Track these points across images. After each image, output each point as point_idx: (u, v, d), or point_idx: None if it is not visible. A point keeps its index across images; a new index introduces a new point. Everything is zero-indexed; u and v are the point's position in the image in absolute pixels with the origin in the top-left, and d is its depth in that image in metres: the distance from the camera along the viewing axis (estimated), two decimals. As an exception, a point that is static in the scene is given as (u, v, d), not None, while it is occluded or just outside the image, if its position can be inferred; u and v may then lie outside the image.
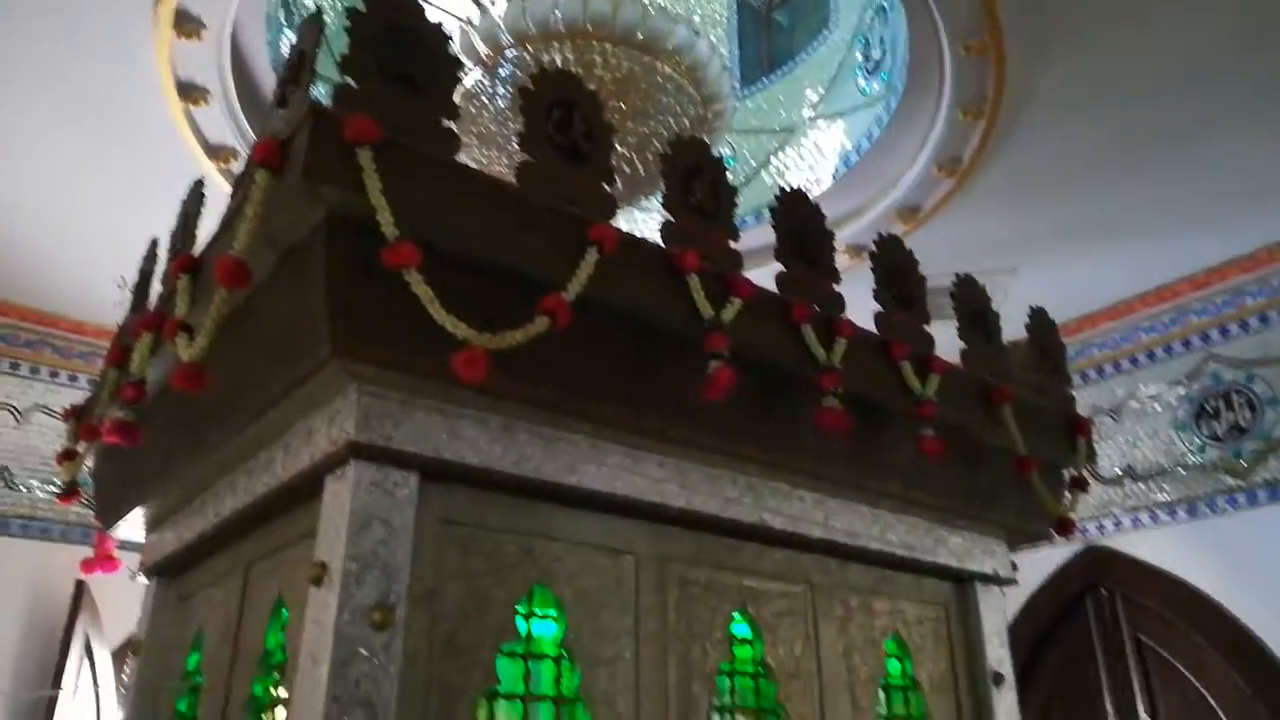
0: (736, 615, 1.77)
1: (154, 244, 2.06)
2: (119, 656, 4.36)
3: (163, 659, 1.98)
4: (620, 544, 1.62)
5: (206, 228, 1.61)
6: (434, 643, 1.32)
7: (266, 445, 1.53)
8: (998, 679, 2.21)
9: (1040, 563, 4.81)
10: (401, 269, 1.18)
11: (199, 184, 1.90)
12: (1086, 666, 4.59)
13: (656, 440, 1.64)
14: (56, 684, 3.93)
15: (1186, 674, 4.25)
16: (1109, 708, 4.46)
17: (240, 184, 1.46)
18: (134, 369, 1.57)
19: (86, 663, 4.14)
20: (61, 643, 3.99)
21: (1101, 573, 4.61)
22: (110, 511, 2.18)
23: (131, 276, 2.07)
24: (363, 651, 1.20)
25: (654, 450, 1.65)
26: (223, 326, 1.25)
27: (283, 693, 1.46)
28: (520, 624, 1.46)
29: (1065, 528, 2.23)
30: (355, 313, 1.22)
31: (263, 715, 1.51)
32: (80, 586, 4.08)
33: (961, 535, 2.25)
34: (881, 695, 2.00)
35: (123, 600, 4.14)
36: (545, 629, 1.54)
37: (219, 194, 2.40)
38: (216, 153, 4.06)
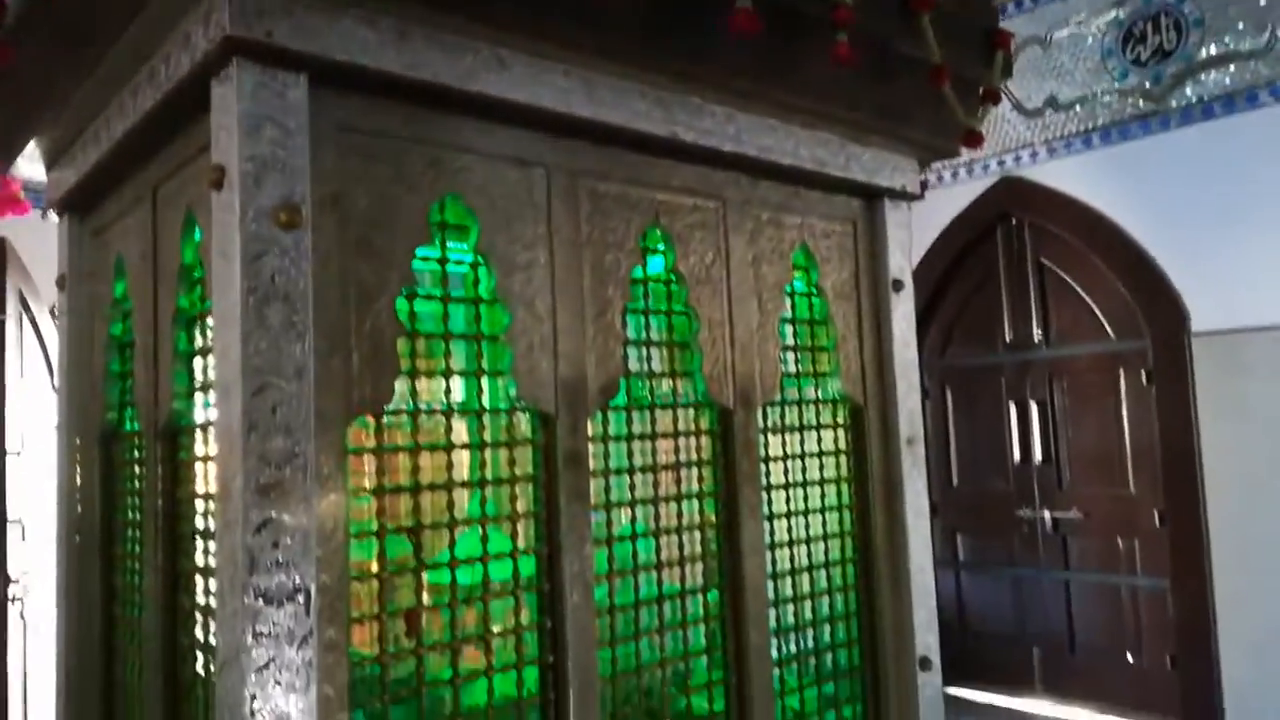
0: (649, 227, 1.83)
1: None
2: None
3: (89, 290, 2.02)
4: (529, 156, 1.63)
5: None
6: (346, 244, 1.36)
7: (147, 57, 1.45)
8: (897, 285, 2.37)
9: (957, 195, 4.98)
10: None
11: None
12: (991, 289, 4.93)
13: (561, 48, 1.59)
14: (0, 347, 4.00)
15: (1080, 292, 4.60)
16: (1006, 324, 4.86)
17: None
18: (-15, -23, 1.45)
19: (26, 320, 4.21)
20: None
21: (1013, 202, 4.80)
22: (3, 150, 2.10)
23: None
24: (274, 249, 1.24)
25: (559, 59, 1.61)
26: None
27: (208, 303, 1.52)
28: (434, 232, 1.50)
29: (973, 140, 2.28)
30: (209, -116, 1.11)
31: (192, 326, 1.58)
32: (1, 245, 4.02)
33: (872, 151, 2.29)
34: (787, 300, 2.15)
35: (51, 255, 4.12)
36: (460, 256, 1.59)
37: None
38: None
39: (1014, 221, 4.87)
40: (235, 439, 1.20)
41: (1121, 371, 4.44)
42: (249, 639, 1.17)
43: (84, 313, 2.02)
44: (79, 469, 2.04)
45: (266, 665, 1.17)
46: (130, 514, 1.91)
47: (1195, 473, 4.11)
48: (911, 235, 2.51)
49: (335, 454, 1.31)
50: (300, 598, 1.21)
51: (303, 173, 1.28)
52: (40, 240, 4.06)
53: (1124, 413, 4.43)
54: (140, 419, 1.75)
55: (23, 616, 3.97)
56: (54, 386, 4.47)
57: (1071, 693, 4.55)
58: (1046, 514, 4.66)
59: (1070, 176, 4.58)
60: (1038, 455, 4.70)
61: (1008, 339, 4.87)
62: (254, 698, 1.16)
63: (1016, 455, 4.76)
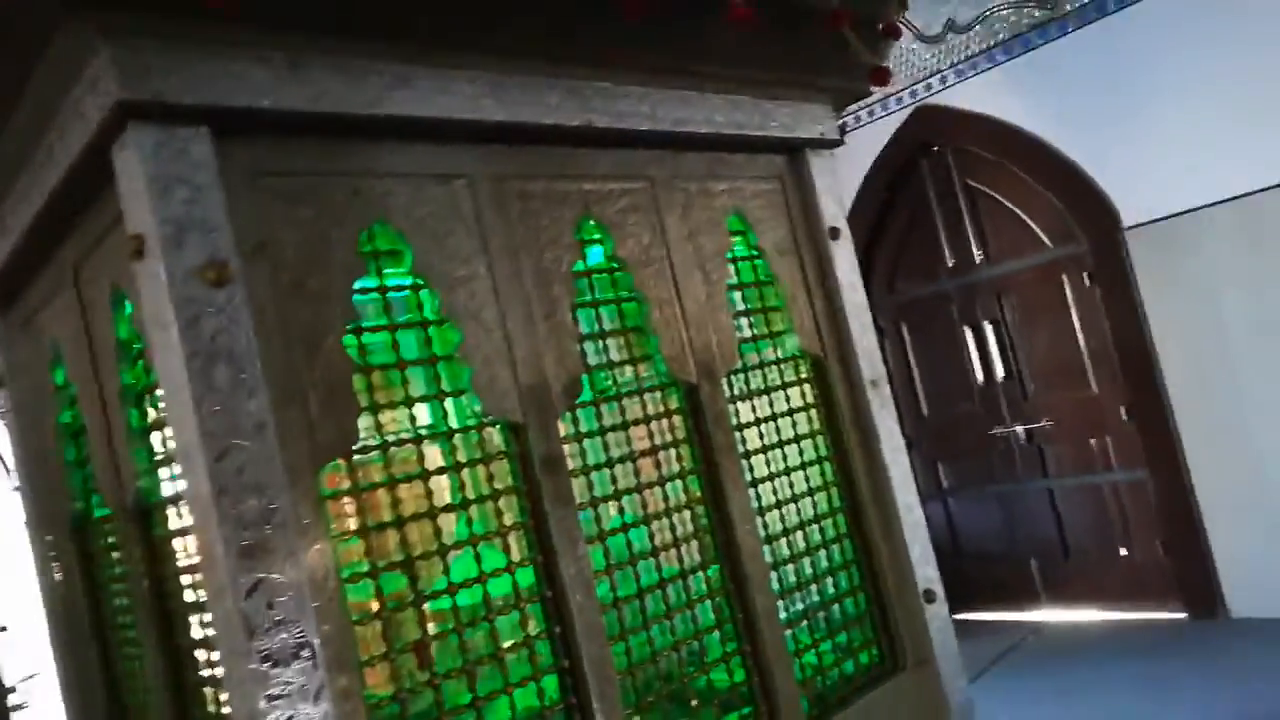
0: (582, 219, 1.83)
1: None
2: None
3: (31, 382, 1.96)
4: (448, 169, 1.61)
5: None
6: (280, 290, 1.34)
7: (42, 135, 1.41)
8: (834, 233, 2.39)
9: (877, 132, 5.02)
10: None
11: None
12: (926, 219, 4.99)
13: (464, 54, 1.58)
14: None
15: (1011, 207, 4.68)
16: (946, 251, 4.93)
17: None
18: None
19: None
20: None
21: (931, 130, 4.86)
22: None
23: None
24: (209, 309, 1.21)
25: (463, 66, 1.59)
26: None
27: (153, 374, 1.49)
28: (369, 262, 1.48)
29: (880, 77, 2.30)
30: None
31: (142, 400, 1.55)
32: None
33: (788, 106, 2.30)
34: (730, 267, 2.16)
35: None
36: (398, 280, 1.57)
37: None
38: None
39: (936, 149, 4.93)
40: (208, 506, 1.18)
41: (1064, 277, 4.53)
42: (262, 704, 1.15)
43: (29, 406, 1.97)
44: (56, 564, 1.99)
45: (283, 727, 1.16)
46: (115, 600, 1.87)
47: (1152, 362, 4.21)
48: (840, 181, 2.53)
49: (311, 502, 1.29)
50: (305, 653, 1.20)
51: (223, 227, 1.25)
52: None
53: (1074, 317, 4.52)
54: (108, 502, 1.71)
55: (24, 725, 3.88)
56: (14, 485, 4.35)
57: (1074, 597, 4.65)
58: (1018, 428, 4.74)
59: (982, 96, 4.64)
60: (1000, 373, 4.78)
61: (950, 264, 4.94)
62: (276, 761, 1.14)
63: (980, 376, 4.84)
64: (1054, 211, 4.50)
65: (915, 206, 5.04)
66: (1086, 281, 4.43)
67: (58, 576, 1.98)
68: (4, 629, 3.90)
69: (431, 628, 1.48)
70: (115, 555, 1.85)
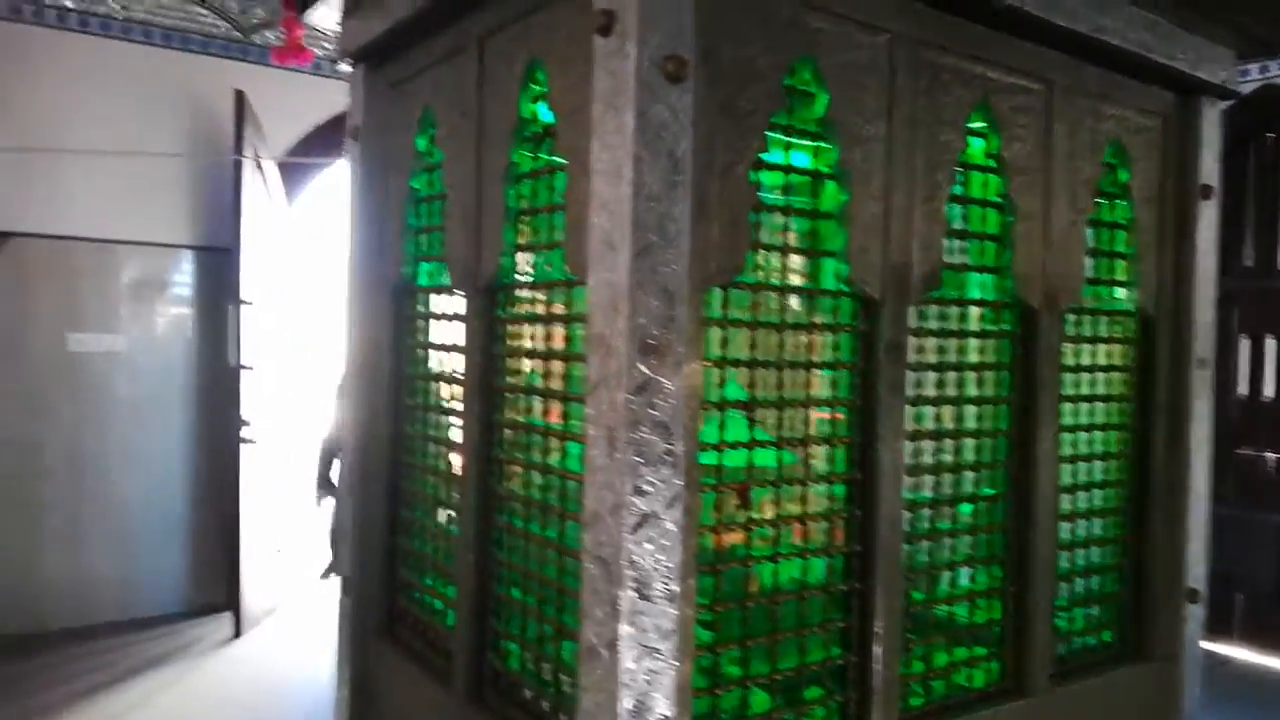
0: (977, 107, 1.70)
1: None
2: (285, 167, 4.59)
3: (384, 143, 2.04)
4: (877, 20, 1.51)
5: None
6: (712, 104, 1.30)
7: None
8: (1206, 191, 2.17)
9: (1209, 102, 4.52)
10: None
11: None
12: (1234, 212, 4.51)
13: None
14: (237, 197, 4.18)
15: (1340, 218, 4.16)
16: (1247, 248, 4.46)
17: None
18: None
19: (258, 173, 4.38)
20: (234, 155, 4.17)
21: (1273, 113, 4.33)
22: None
23: None
24: (660, 102, 1.19)
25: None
26: None
27: (546, 158, 1.51)
28: (786, 98, 1.43)
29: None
30: None
31: (522, 181, 1.57)
32: (240, 97, 4.15)
33: (1196, 40, 2.06)
34: (1095, 200, 1.98)
35: (278, 111, 4.26)
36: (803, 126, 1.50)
37: None
38: None
39: (1271, 136, 4.40)
40: (622, 296, 1.18)
41: (1380, 308, 4.03)
42: (629, 494, 1.17)
43: (379, 166, 2.05)
44: (369, 322, 2.08)
45: (641, 523, 1.18)
46: (419, 366, 1.97)
47: None
48: (1222, 138, 2.27)
49: (698, 321, 1.28)
50: (670, 459, 1.21)
51: (689, 22, 1.21)
52: (269, 92, 4.21)
53: (1377, 354, 4.04)
54: (453, 274, 1.76)
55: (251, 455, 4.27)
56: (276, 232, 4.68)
57: (1274, 645, 4.31)
58: (1270, 454, 4.34)
59: (1350, 86, 4.08)
60: (1269, 391, 4.36)
61: (1247, 264, 4.47)
62: (630, 552, 1.17)
63: (1244, 389, 4.43)
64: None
65: (1226, 194, 4.55)
66: None
67: (367, 334, 2.08)
68: (249, 368, 4.26)
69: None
70: (420, 324, 1.95)
